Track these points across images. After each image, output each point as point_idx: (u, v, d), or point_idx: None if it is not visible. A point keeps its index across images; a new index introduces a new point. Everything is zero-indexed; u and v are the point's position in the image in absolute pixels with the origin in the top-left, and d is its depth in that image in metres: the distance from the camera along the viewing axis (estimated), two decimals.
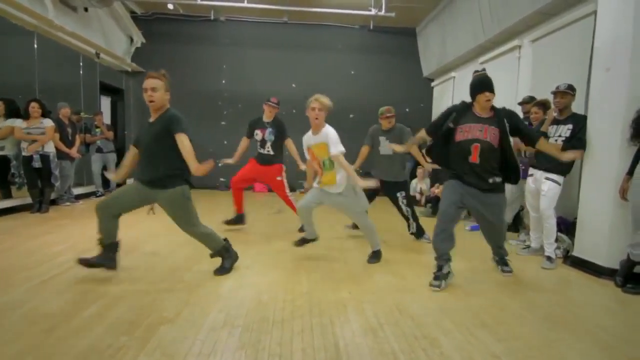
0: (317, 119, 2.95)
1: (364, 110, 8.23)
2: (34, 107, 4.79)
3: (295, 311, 2.17)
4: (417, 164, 6.96)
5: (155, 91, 2.50)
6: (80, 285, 2.46)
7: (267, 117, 4.17)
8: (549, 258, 3.25)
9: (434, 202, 5.70)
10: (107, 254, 2.58)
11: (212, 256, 2.75)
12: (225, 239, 2.81)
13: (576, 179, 3.58)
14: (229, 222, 4.23)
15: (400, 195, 3.88)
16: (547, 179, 3.30)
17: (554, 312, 2.34)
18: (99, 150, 6.35)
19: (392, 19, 6.84)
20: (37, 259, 2.94)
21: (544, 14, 4.60)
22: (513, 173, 2.72)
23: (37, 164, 4.79)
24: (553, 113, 3.43)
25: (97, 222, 2.55)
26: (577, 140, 3.17)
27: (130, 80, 8.01)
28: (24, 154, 4.81)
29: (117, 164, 6.85)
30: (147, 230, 3.98)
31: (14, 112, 4.82)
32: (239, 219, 4.28)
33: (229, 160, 4.03)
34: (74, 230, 4.02)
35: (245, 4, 6.60)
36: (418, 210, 4.91)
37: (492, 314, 2.24)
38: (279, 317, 2.08)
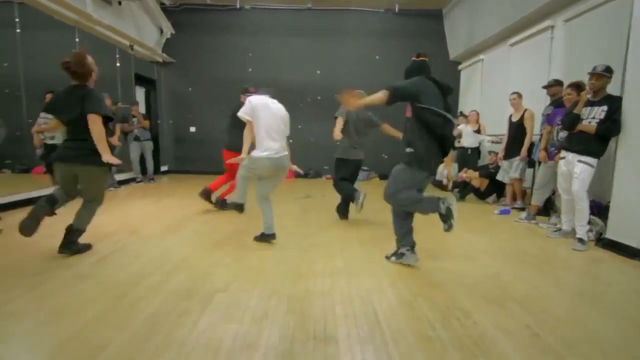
0: None
1: None
2: None
3: (334, 284, 2.34)
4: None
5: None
6: (138, 259, 2.72)
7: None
8: (580, 240, 3.28)
9: (461, 187, 5.73)
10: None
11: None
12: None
13: (609, 161, 3.55)
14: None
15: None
16: (580, 161, 3.29)
17: (584, 289, 2.41)
18: (137, 138, 6.69)
19: (418, 1, 6.76)
20: (95, 237, 3.23)
21: None
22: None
23: None
24: (587, 95, 3.39)
25: None
26: (612, 122, 3.15)
27: (161, 71, 8.32)
28: None
29: (154, 152, 7.22)
30: (192, 210, 4.25)
31: None
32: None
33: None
34: (121, 212, 4.34)
35: None
36: (444, 194, 5.14)
37: (521, 290, 2.33)
38: (319, 289, 2.26)
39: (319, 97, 8.31)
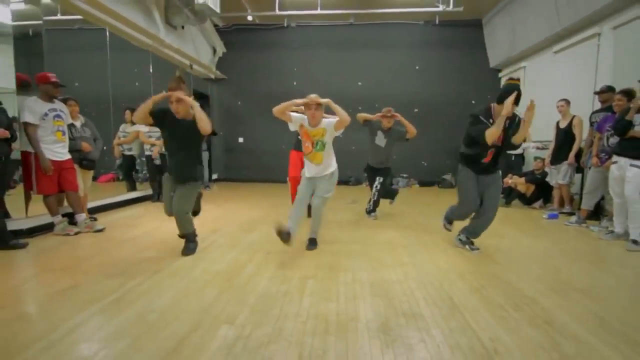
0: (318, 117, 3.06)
1: (429, 104, 8.48)
2: None
3: (407, 274, 2.65)
4: None
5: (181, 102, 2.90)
6: (229, 254, 3.15)
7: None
8: (634, 241, 3.39)
9: (507, 193, 5.86)
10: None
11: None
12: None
13: None
14: None
15: (378, 179, 4.65)
16: (633, 165, 3.42)
17: None
18: None
19: (457, 12, 7.00)
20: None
21: None
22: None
23: (157, 161, 5.76)
24: (639, 102, 3.52)
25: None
26: None
27: (214, 87, 9.01)
28: (147, 153, 5.81)
29: (209, 162, 7.84)
30: (256, 213, 4.70)
31: None
32: None
33: None
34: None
35: (318, 11, 7.16)
36: None
37: (583, 281, 2.54)
38: (394, 278, 2.58)
39: (360, 108, 8.62)
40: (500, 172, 3.20)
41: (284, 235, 2.87)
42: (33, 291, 2.34)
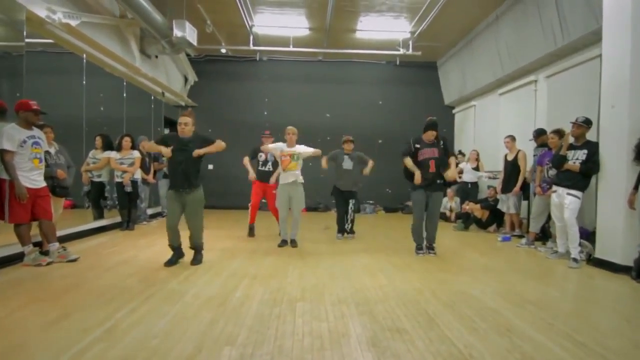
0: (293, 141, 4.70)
1: (391, 136, 9.11)
2: (127, 141, 5.74)
3: (387, 294, 2.91)
4: (444, 183, 7.75)
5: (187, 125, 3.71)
6: (216, 280, 3.23)
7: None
8: (574, 259, 3.93)
9: (464, 218, 6.41)
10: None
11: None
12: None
13: (593, 195, 4.30)
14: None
15: (351, 202, 5.32)
16: (569, 194, 4.02)
17: (583, 295, 3.04)
18: (165, 176, 7.24)
19: (415, 55, 7.78)
20: (160, 263, 3.73)
21: (555, 55, 5.45)
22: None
23: (128, 188, 5.68)
24: (569, 140, 4.17)
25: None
26: (592, 163, 3.92)
27: None
28: (117, 180, 5.71)
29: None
30: (233, 239, 4.78)
31: (108, 145, 5.77)
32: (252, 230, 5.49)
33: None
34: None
35: (290, 48, 7.63)
36: (450, 225, 6.41)
37: (533, 294, 2.95)
38: (377, 298, 2.82)
39: (328, 138, 9.09)
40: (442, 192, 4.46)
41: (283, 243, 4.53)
42: (23, 322, 2.30)
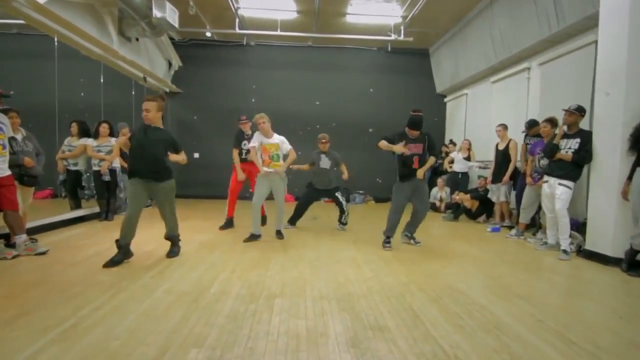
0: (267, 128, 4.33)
1: (382, 125, 8.91)
2: (104, 128, 5.47)
3: (371, 289, 2.77)
4: (434, 173, 7.63)
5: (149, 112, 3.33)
6: (192, 273, 3.07)
7: (247, 131, 5.09)
8: (564, 251, 3.84)
9: (454, 208, 6.30)
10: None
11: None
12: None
13: (584, 186, 4.20)
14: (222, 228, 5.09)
15: (338, 194, 5.19)
16: (560, 184, 3.91)
17: (572, 288, 2.94)
18: None
19: (407, 41, 7.55)
20: (141, 255, 3.55)
21: (549, 41, 5.29)
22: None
23: (106, 177, 5.44)
24: (563, 129, 4.05)
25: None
26: (585, 152, 3.80)
27: (169, 100, 8.73)
28: (94, 168, 5.46)
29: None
30: (214, 232, 4.61)
31: (85, 132, 5.50)
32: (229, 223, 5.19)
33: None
34: (148, 234, 4.62)
35: (278, 32, 7.34)
36: (439, 215, 6.25)
37: (522, 288, 2.84)
38: (361, 293, 2.68)
39: (317, 126, 8.89)
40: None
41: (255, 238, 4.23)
42: None
